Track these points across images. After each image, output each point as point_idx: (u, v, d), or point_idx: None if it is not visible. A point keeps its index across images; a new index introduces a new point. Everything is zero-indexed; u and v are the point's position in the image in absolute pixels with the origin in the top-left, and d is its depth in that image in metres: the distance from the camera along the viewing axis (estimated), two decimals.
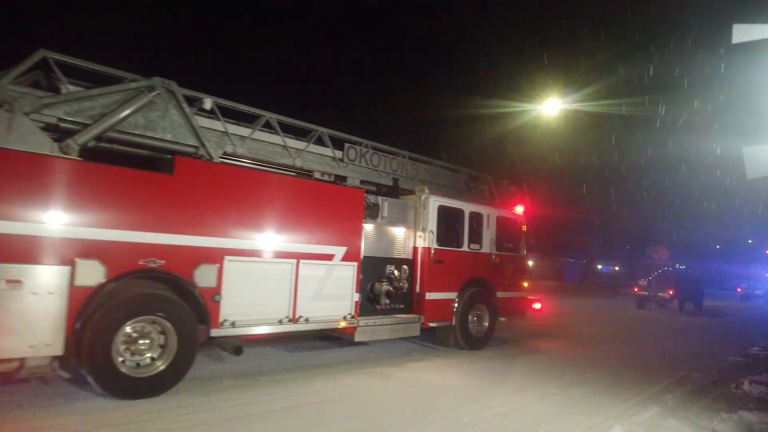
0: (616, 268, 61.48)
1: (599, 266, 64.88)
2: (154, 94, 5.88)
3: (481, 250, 9.43)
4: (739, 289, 28.24)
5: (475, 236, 9.34)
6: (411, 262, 8.45)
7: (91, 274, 4.89)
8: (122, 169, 5.28)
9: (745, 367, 8.88)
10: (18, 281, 4.48)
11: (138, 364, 5.22)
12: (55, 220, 4.78)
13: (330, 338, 8.39)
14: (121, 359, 5.07)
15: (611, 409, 5.79)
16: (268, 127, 7.17)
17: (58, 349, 4.69)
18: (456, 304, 8.80)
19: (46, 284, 4.63)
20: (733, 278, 31.08)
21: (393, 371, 7.08)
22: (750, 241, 44.39)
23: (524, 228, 10.45)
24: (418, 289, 8.42)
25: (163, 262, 5.38)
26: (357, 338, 7.32)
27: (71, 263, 4.79)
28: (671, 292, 19.16)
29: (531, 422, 5.16)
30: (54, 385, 5.34)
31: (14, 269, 4.47)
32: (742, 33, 5.03)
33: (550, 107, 17.31)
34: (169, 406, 4.94)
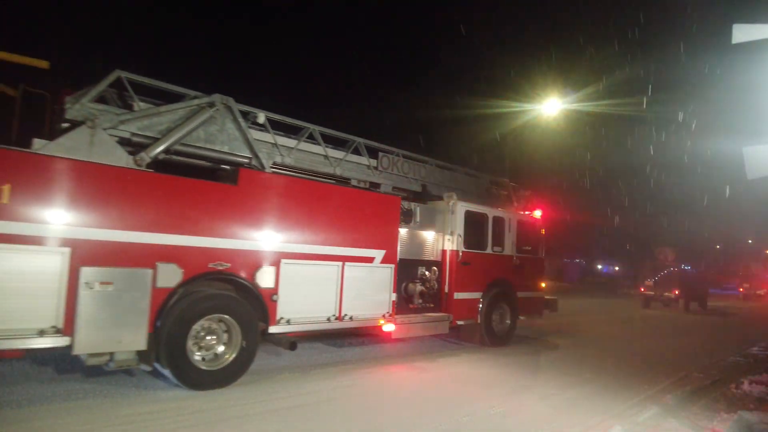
0: (616, 268, 62.09)
1: (599, 266, 65.52)
2: (213, 109, 6.37)
3: (503, 253, 9.93)
4: (741, 289, 28.79)
5: (498, 239, 9.83)
6: (440, 264, 8.94)
7: (170, 276, 5.38)
8: (194, 180, 5.78)
9: (744, 367, 8.90)
10: (109, 283, 4.96)
11: (207, 358, 5.71)
12: (137, 227, 5.26)
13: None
14: (193, 354, 5.56)
15: (617, 405, 5.98)
16: (310, 138, 7.67)
17: (141, 345, 5.17)
18: (481, 304, 9.29)
19: (132, 285, 5.11)
20: (734, 278, 31.55)
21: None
22: (750, 241, 44.78)
23: (542, 231, 10.95)
24: (446, 290, 8.90)
25: (228, 265, 5.87)
26: (394, 335, 7.81)
27: (153, 266, 5.28)
28: (677, 292, 19.70)
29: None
30: (53, 384, 5.43)
31: (106, 272, 4.95)
32: (742, 33, 4.99)
33: (550, 107, 17.14)
34: (170, 407, 4.98)
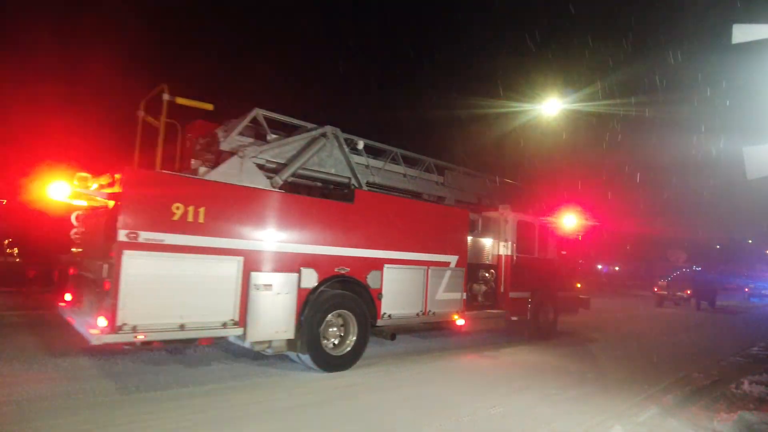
0: (616, 268, 63.32)
1: (599, 266, 66.71)
2: (325, 138, 7.60)
3: (547, 257, 11.18)
4: (746, 289, 30.04)
5: (543, 245, 11.09)
6: (496, 267, 10.18)
7: (310, 279, 6.61)
8: (323, 200, 7.03)
9: (745, 367, 9.01)
10: (269, 285, 6.18)
11: (332, 346, 6.94)
12: (287, 240, 6.48)
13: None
14: (325, 342, 6.78)
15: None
16: (392, 159, 8.92)
17: (291, 334, 6.39)
18: (530, 302, 10.54)
19: (285, 287, 6.33)
20: (737, 278, 32.68)
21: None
22: (750, 242, 45.78)
23: (579, 238, 12.21)
24: (502, 289, 10.14)
25: (348, 269, 7.10)
26: (464, 328, 9.05)
27: (298, 271, 6.50)
28: (689, 292, 21.00)
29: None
30: (52, 385, 5.47)
31: (268, 276, 6.17)
32: (743, 33, 4.96)
33: (550, 107, 17.04)
34: (171, 407, 5.02)
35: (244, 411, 5.09)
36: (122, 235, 5.09)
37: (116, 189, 5.63)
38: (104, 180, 5.82)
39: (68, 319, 6.11)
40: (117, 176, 5.76)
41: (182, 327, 5.48)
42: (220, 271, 5.82)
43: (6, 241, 22.50)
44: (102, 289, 5.21)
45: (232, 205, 6.01)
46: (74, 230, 6.96)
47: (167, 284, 5.40)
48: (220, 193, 5.94)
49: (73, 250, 6.98)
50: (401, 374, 7.03)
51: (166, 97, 6.21)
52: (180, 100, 6.34)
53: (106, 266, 5.26)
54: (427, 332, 9.54)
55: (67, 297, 6.85)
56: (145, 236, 5.23)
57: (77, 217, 6.96)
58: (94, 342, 4.98)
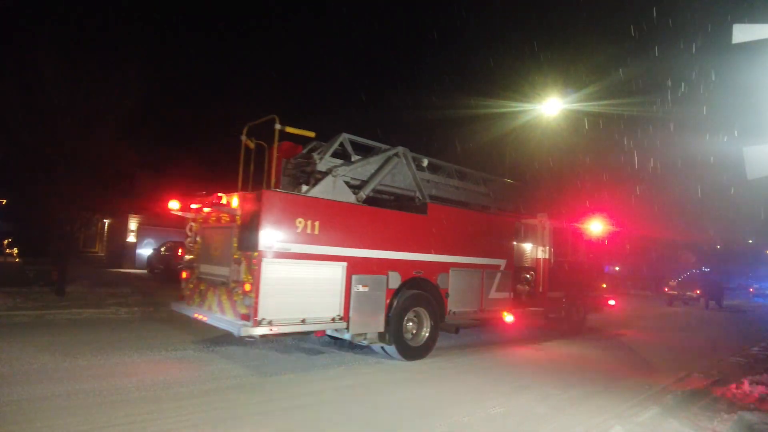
0: (617, 268, 64.41)
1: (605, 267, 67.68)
2: (398, 158, 8.70)
3: (578, 260, 12.30)
4: (751, 289, 31.16)
5: (574, 249, 12.22)
6: (535, 269, 11.30)
7: (395, 280, 7.72)
8: (403, 213, 8.16)
9: (745, 367, 9.16)
10: (366, 286, 7.29)
11: (411, 337, 8.04)
12: (377, 247, 7.58)
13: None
14: (406, 335, 7.89)
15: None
16: (446, 173, 10.04)
17: (381, 328, 7.50)
18: (564, 301, 11.66)
19: (377, 287, 7.43)
20: (740, 278, 33.70)
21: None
22: (750, 241, 46.45)
23: (605, 242, 13.35)
24: (541, 289, 11.26)
25: (422, 272, 8.21)
26: (511, 324, 10.16)
27: (386, 274, 7.61)
28: (698, 292, 22.18)
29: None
30: (52, 385, 5.45)
31: (365, 278, 7.28)
32: (743, 33, 4.93)
33: (551, 108, 17.12)
34: (170, 407, 5.04)
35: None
36: (262, 246, 6.19)
37: (237, 206, 6.67)
38: (231, 199, 6.87)
39: (195, 316, 7.19)
40: (236, 196, 6.81)
41: (303, 321, 6.59)
42: (330, 274, 6.93)
43: (6, 241, 22.91)
44: (242, 290, 6.31)
45: (338, 219, 7.11)
46: (188, 239, 8.04)
47: (292, 286, 6.51)
48: (329, 209, 7.05)
49: (187, 256, 8.05)
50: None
51: (278, 126, 7.29)
52: (289, 129, 7.42)
53: (242, 270, 6.36)
54: (481, 327, 10.63)
55: (193, 297, 7.93)
56: (277, 246, 6.34)
57: (190, 228, 8.04)
58: (242, 334, 6.07)
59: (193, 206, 7.71)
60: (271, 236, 6.28)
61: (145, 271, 24.11)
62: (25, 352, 6.91)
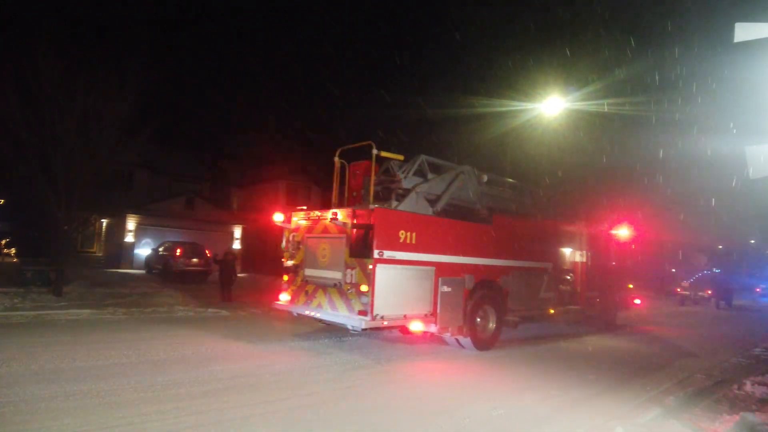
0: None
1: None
2: (464, 175, 9.99)
3: (609, 262, 13.62)
4: (758, 289, 32.28)
5: (606, 252, 13.54)
6: (573, 271, 12.61)
7: (470, 282, 9.02)
8: (475, 224, 9.47)
9: (747, 368, 9.20)
10: (450, 287, 8.58)
11: (481, 330, 9.34)
12: (456, 253, 8.87)
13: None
14: (478, 328, 9.19)
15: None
16: (500, 186, 11.33)
17: (460, 323, 8.78)
18: (599, 300, 12.98)
19: (457, 288, 8.73)
20: (745, 278, 34.53)
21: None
22: (752, 241, 47.03)
23: (633, 246, 14.68)
24: (579, 290, 12.57)
25: (490, 274, 9.51)
26: (554, 320, 11.47)
27: (462, 276, 8.90)
28: (709, 292, 23.51)
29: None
30: (52, 385, 5.40)
31: (449, 281, 8.58)
32: (745, 32, 4.90)
33: (553, 107, 17.22)
34: (169, 408, 4.99)
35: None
36: (376, 254, 7.49)
37: (348, 220, 7.93)
38: (344, 214, 8.09)
39: (308, 314, 8.45)
40: (343, 211, 8.05)
41: (405, 317, 7.89)
42: (424, 277, 8.24)
43: (3, 242, 22.75)
44: (357, 290, 7.61)
45: (428, 230, 8.41)
46: (288, 247, 9.29)
47: (397, 287, 7.82)
48: (421, 221, 8.37)
49: (288, 262, 9.30)
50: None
51: (375, 151, 8.56)
52: (384, 153, 8.70)
53: (357, 274, 7.65)
54: (532, 322, 11.75)
55: (287, 297, 9.20)
56: (387, 254, 7.64)
57: (289, 238, 9.30)
58: (363, 327, 7.36)
59: (313, 215, 8.87)
60: (382, 246, 7.58)
61: (143, 271, 24.22)
62: (23, 353, 6.91)
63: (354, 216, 7.93)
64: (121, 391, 5.47)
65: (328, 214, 8.26)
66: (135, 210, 27.09)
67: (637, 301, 15.02)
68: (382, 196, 9.33)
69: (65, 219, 13.46)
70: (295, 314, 8.72)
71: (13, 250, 26.04)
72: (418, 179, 9.40)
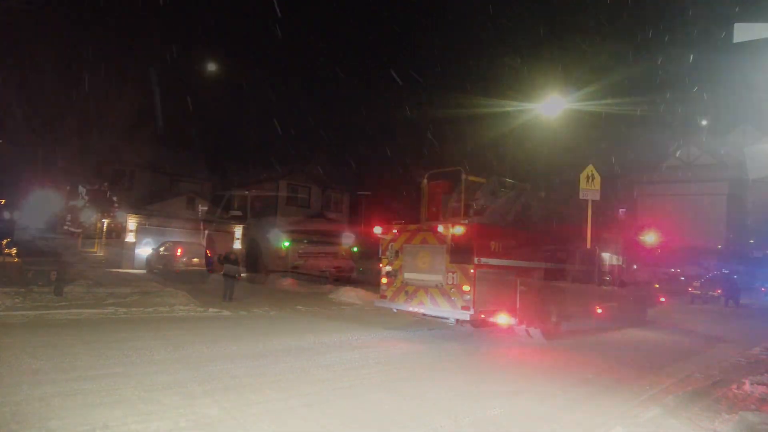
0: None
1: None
2: (525, 191, 11.59)
3: (639, 264, 15.30)
4: (763, 289, 33.43)
5: (637, 255, 15.20)
6: (610, 273, 14.14)
7: (539, 282, 10.38)
8: (539, 233, 10.99)
9: (746, 368, 9.16)
10: (525, 287, 10.02)
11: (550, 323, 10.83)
12: (526, 258, 10.24)
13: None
14: (545, 322, 10.73)
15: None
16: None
17: (533, 316, 10.12)
18: (632, 298, 14.60)
19: (531, 287, 10.11)
20: (748, 278, 35.09)
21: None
22: (752, 241, 46.82)
23: (658, 251, 16.40)
24: (617, 290, 14.10)
25: (552, 275, 11.04)
26: (601, 318, 13.03)
27: (534, 277, 10.31)
28: (719, 291, 25.15)
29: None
30: (52, 385, 5.34)
31: (525, 281, 9.87)
32: (744, 32, 4.97)
33: (553, 107, 17.49)
34: (168, 407, 4.97)
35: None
36: (475, 260, 8.96)
37: (448, 233, 9.40)
38: (446, 227, 9.51)
39: (410, 310, 9.89)
40: (444, 226, 9.43)
41: (495, 312, 9.40)
42: (507, 278, 9.71)
43: (4, 241, 22.22)
44: (459, 290, 9.11)
45: (509, 239, 9.82)
46: (386, 254, 10.73)
47: (489, 287, 9.17)
48: (504, 232, 9.82)
49: (387, 268, 10.79)
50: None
51: (464, 177, 10.16)
52: (472, 178, 10.28)
53: (458, 276, 9.14)
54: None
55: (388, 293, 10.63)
56: (482, 260, 9.07)
57: (388, 247, 10.75)
58: (466, 319, 8.86)
59: (411, 227, 10.30)
60: (479, 253, 9.04)
61: (144, 271, 23.84)
62: (24, 353, 6.91)
63: (454, 229, 9.47)
64: (122, 390, 5.44)
65: (427, 228, 9.83)
66: (136, 210, 26.99)
67: (662, 300, 16.70)
68: (464, 212, 10.81)
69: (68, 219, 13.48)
70: (395, 310, 10.23)
71: (14, 250, 24.98)
72: (491, 196, 10.98)
